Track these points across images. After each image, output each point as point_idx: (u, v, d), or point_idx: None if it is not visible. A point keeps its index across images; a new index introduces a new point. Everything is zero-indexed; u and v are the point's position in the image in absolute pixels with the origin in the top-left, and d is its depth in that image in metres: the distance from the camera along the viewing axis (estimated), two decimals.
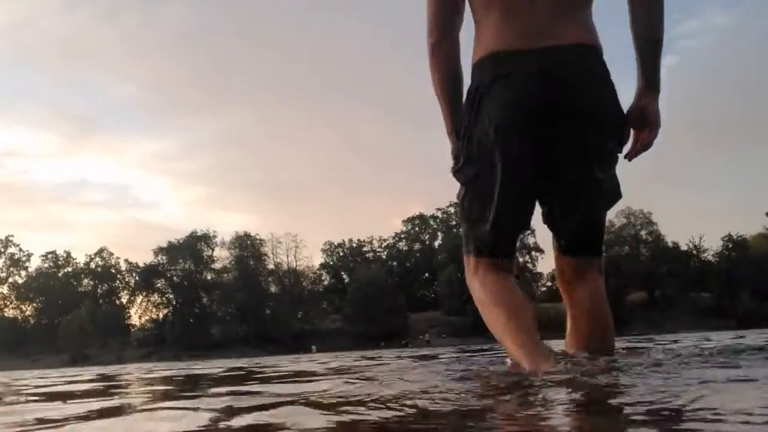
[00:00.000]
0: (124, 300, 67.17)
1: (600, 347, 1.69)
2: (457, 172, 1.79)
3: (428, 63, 1.86)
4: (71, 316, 54.24)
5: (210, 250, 62.41)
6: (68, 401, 2.01)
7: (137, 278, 64.34)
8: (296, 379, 2.69)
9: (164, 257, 61.35)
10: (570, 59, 1.65)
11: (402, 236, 73.87)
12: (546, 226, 1.80)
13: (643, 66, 1.76)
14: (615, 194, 1.77)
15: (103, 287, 67.35)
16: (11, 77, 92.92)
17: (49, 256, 66.85)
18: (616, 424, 0.93)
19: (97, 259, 67.88)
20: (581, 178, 1.68)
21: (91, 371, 7.33)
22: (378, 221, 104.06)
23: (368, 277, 56.56)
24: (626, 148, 1.79)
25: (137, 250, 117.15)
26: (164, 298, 62.85)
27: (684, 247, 63.08)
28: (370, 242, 74.73)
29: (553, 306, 59.51)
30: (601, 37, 1.80)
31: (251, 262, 61.04)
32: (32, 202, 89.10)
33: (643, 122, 1.76)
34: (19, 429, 1.19)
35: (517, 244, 1.84)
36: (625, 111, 1.75)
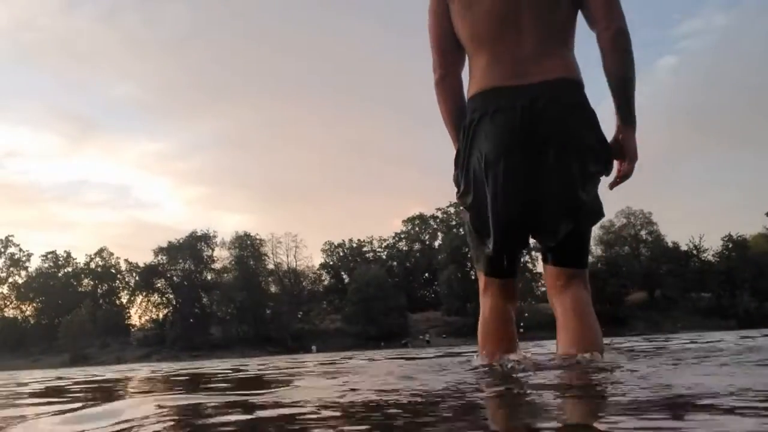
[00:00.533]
0: (124, 300, 67.21)
1: (589, 349, 1.80)
2: (460, 198, 1.98)
3: (435, 94, 2.05)
4: (71, 316, 54.21)
5: (210, 250, 62.45)
6: None
7: (137, 278, 64.32)
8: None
9: (164, 257, 61.34)
10: (551, 94, 1.80)
11: (402, 236, 73.86)
12: (535, 239, 1.96)
13: (618, 104, 1.94)
14: (598, 213, 1.93)
15: (103, 287, 67.32)
16: (11, 77, 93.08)
17: (49, 256, 66.88)
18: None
19: (97, 259, 67.91)
20: (567, 200, 1.82)
21: (87, 372, 7.27)
22: (378, 221, 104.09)
23: (368, 277, 56.54)
24: (608, 179, 1.97)
25: (137, 250, 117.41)
26: (164, 298, 62.84)
27: (684, 247, 63.07)
28: (370, 242, 74.74)
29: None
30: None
31: (251, 262, 61.01)
32: (32, 202, 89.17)
33: (622, 155, 1.95)
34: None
35: (519, 262, 2.03)
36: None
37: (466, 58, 2.02)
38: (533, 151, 1.78)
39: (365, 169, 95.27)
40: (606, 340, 2.01)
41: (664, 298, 57.94)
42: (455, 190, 2.00)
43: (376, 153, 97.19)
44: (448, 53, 2.01)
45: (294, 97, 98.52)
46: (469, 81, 1.96)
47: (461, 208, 2.03)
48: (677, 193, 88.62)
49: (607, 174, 1.93)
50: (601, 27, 1.87)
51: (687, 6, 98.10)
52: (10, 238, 66.38)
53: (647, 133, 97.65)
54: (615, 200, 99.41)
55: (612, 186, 1.98)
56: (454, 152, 2.01)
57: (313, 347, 47.86)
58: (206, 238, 61.95)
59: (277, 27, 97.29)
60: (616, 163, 1.95)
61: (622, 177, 1.97)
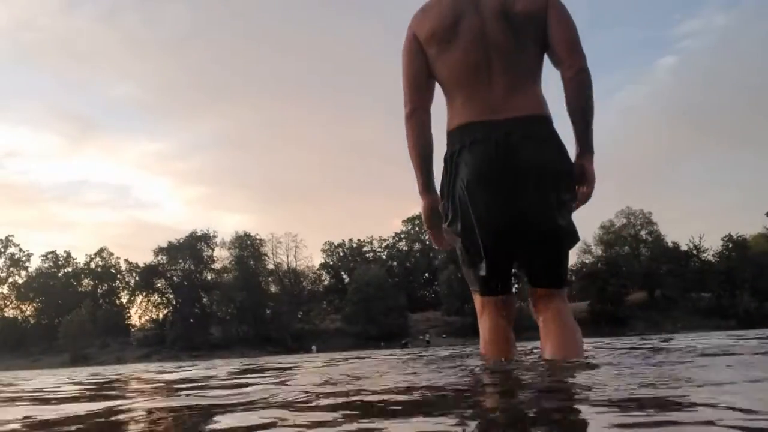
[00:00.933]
0: (124, 300, 67.20)
1: (572, 356, 1.97)
2: (449, 226, 2.10)
3: (404, 128, 2.19)
4: (71, 316, 54.18)
5: (210, 250, 62.42)
6: None
7: (137, 278, 64.30)
8: None
9: (164, 257, 61.32)
10: (525, 129, 1.98)
11: (402, 236, 73.86)
12: (518, 261, 2.11)
13: (577, 133, 2.11)
14: (574, 237, 2.07)
15: (103, 287, 67.32)
16: (11, 77, 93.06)
17: (49, 256, 66.88)
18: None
19: (97, 259, 67.90)
20: (546, 226, 1.99)
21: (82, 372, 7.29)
22: (378, 221, 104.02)
23: (368, 277, 56.53)
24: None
25: (137, 250, 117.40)
26: (164, 298, 62.83)
27: (684, 247, 63.05)
28: (370, 242, 74.75)
29: None
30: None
31: (251, 262, 60.99)
32: (32, 202, 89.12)
33: (581, 179, 2.10)
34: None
35: (512, 279, 2.17)
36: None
37: (441, 95, 2.18)
38: (510, 181, 1.95)
39: (365, 169, 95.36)
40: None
41: (664, 298, 57.92)
42: (444, 219, 2.14)
43: (376, 153, 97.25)
44: (420, 91, 2.17)
45: (294, 97, 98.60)
46: (447, 118, 2.14)
47: (450, 232, 2.14)
48: (677, 193, 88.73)
49: (575, 201, 2.10)
50: (565, 67, 2.06)
51: (687, 6, 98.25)
52: (10, 238, 66.44)
53: (647, 133, 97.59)
54: (615, 200, 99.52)
55: (573, 209, 2.12)
56: (417, 184, 2.19)
57: (313, 347, 47.85)
58: (206, 238, 61.96)
59: (277, 27, 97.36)
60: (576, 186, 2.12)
61: (584, 199, 2.14)
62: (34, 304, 64.43)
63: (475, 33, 2.04)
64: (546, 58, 2.13)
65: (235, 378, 2.79)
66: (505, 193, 1.95)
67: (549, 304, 2.07)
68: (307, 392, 1.54)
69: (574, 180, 2.07)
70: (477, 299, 2.17)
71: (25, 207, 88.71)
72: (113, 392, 2.36)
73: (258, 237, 62.58)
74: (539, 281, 2.08)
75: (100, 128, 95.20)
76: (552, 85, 2.17)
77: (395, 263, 71.20)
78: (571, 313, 2.10)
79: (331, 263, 73.19)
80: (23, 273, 66.48)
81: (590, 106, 2.08)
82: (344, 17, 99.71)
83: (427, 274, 70.07)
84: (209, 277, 62.00)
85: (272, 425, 1.00)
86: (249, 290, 57.29)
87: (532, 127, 2.00)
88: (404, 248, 73.41)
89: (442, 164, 2.13)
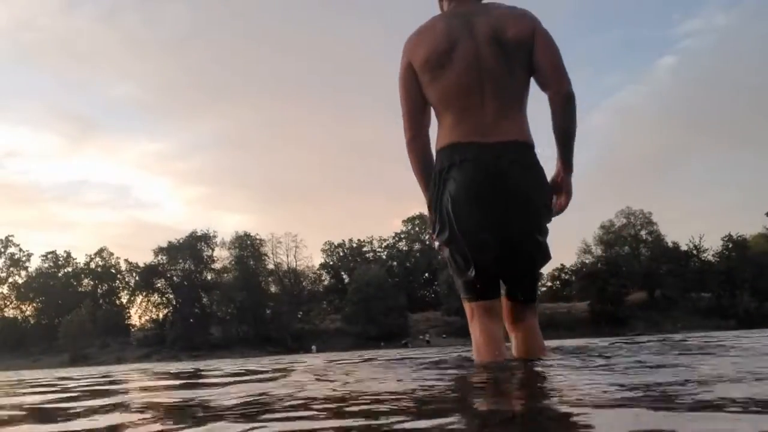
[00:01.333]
0: (124, 300, 67.24)
1: (537, 355, 2.28)
2: (437, 237, 2.25)
3: (406, 151, 2.34)
4: (71, 316, 54.19)
5: (210, 250, 62.41)
6: None
7: (137, 278, 64.29)
8: None
9: (164, 257, 61.30)
10: (511, 155, 2.12)
11: (402, 236, 73.87)
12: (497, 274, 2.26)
13: (560, 152, 2.29)
14: (547, 255, 2.25)
15: (103, 287, 67.33)
16: (11, 77, 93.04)
17: (49, 256, 66.89)
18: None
19: (97, 259, 67.92)
20: (524, 246, 2.16)
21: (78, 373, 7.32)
22: (378, 221, 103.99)
23: (368, 277, 56.53)
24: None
25: (137, 250, 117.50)
26: (164, 298, 62.83)
27: (684, 247, 63.05)
28: (370, 242, 74.78)
29: (552, 306, 59.61)
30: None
31: (251, 262, 60.98)
32: (32, 202, 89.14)
33: (559, 192, 2.31)
34: None
35: (499, 285, 2.30)
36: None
37: (433, 116, 2.31)
38: (496, 202, 2.09)
39: (365, 169, 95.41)
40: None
41: (664, 298, 57.92)
42: (431, 231, 2.30)
43: (376, 153, 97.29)
44: (418, 118, 2.30)
45: (294, 97, 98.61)
46: (437, 136, 2.26)
47: (438, 245, 2.32)
48: (677, 193, 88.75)
49: (549, 221, 2.27)
50: (552, 91, 2.20)
51: (687, 6, 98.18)
52: (10, 238, 66.47)
53: (647, 133, 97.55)
54: (615, 200, 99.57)
55: (550, 217, 2.30)
56: (425, 198, 2.31)
57: (313, 347, 47.85)
58: (206, 238, 61.95)
59: (277, 27, 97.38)
60: (555, 197, 2.32)
61: (560, 210, 2.33)
62: (34, 304, 64.43)
63: (470, 58, 2.15)
64: (532, 83, 2.27)
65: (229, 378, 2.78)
66: (490, 212, 2.09)
67: (521, 319, 2.29)
68: None
69: (551, 204, 2.27)
70: (467, 306, 2.29)
71: (25, 207, 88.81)
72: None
73: (258, 237, 62.67)
74: (514, 295, 2.27)
75: (100, 128, 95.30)
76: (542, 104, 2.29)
77: (395, 263, 71.21)
78: (538, 325, 2.34)
79: (331, 263, 73.20)
80: (23, 273, 66.59)
81: (573, 128, 2.25)
82: (344, 17, 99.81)
83: (427, 274, 70.07)
84: (209, 277, 62.00)
85: None
86: (249, 290, 57.28)
87: (519, 153, 2.14)
88: (404, 248, 73.42)
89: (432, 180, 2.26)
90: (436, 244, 2.35)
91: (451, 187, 2.13)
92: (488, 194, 2.08)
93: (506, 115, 2.16)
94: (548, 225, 2.26)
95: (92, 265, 67.66)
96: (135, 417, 1.33)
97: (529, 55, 2.19)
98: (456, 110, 2.18)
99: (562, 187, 2.30)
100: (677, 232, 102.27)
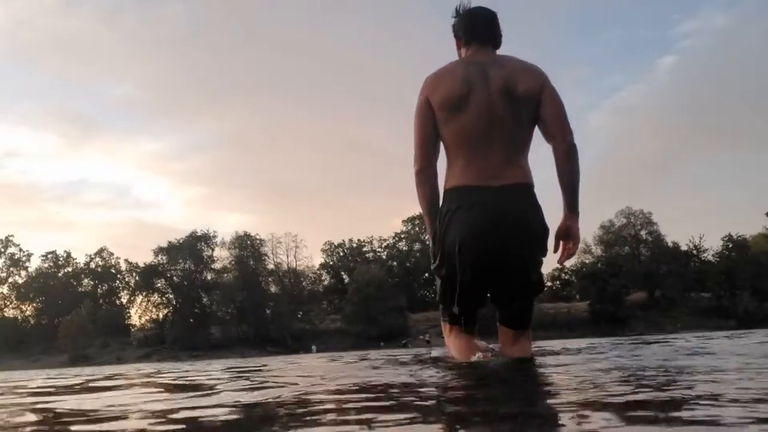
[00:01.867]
0: (124, 300, 67.21)
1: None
2: (436, 270, 2.45)
3: (414, 182, 2.50)
4: (71, 316, 54.17)
5: (210, 250, 62.38)
6: None
7: (137, 278, 64.27)
8: None
9: (164, 257, 61.28)
10: (513, 197, 2.32)
11: (402, 236, 73.85)
12: (493, 303, 2.48)
13: (566, 199, 2.46)
14: (542, 288, 2.44)
15: (103, 287, 67.32)
16: (11, 77, 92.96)
17: (49, 256, 66.87)
18: None
19: (97, 259, 67.92)
20: (519, 280, 2.36)
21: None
22: (378, 221, 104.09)
23: (368, 277, 56.52)
24: (557, 256, 2.50)
25: (137, 250, 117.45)
26: (164, 298, 62.82)
27: (684, 247, 63.07)
28: (370, 242, 74.77)
29: (552, 306, 59.62)
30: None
31: (251, 262, 60.97)
32: (32, 202, 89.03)
33: (568, 237, 2.48)
34: None
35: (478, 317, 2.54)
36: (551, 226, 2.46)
37: (443, 152, 2.49)
38: (498, 242, 2.27)
39: (365, 169, 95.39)
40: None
41: (664, 298, 57.93)
42: (432, 261, 2.49)
43: (376, 153, 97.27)
44: (429, 151, 2.47)
45: (294, 97, 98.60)
46: (447, 174, 2.45)
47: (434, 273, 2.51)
48: (677, 193, 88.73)
49: (545, 256, 2.45)
50: (556, 142, 2.41)
51: (687, 6, 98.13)
52: (10, 238, 66.44)
53: (647, 133, 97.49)
54: (615, 200, 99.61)
55: (561, 262, 2.50)
56: (428, 230, 2.50)
57: (313, 347, 47.86)
58: (206, 238, 61.93)
59: (276, 27, 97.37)
60: (562, 243, 2.49)
61: (569, 255, 2.50)
62: (34, 304, 64.43)
63: (483, 106, 2.33)
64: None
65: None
66: (492, 251, 2.29)
67: (516, 343, 2.47)
68: None
69: (547, 241, 2.43)
70: (446, 326, 2.59)
71: (25, 207, 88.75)
72: None
73: (258, 237, 62.66)
74: (510, 323, 2.47)
75: (99, 128, 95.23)
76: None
77: (395, 263, 71.19)
78: (531, 348, 2.55)
79: (331, 263, 73.20)
80: (23, 273, 66.55)
81: (577, 176, 2.44)
82: (344, 17, 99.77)
83: (427, 274, 70.02)
84: (209, 277, 61.99)
85: None
86: (249, 290, 57.27)
87: (520, 195, 2.35)
88: (404, 248, 73.41)
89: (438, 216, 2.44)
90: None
91: (456, 229, 2.32)
92: (489, 237, 2.27)
93: (511, 160, 2.36)
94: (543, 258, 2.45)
95: (92, 265, 67.65)
96: None
97: (536, 108, 2.39)
98: (466, 153, 2.37)
99: (569, 233, 2.47)
100: (677, 232, 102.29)
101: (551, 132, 2.41)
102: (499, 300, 2.43)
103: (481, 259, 2.29)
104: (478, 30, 2.53)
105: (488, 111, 2.33)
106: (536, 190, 2.44)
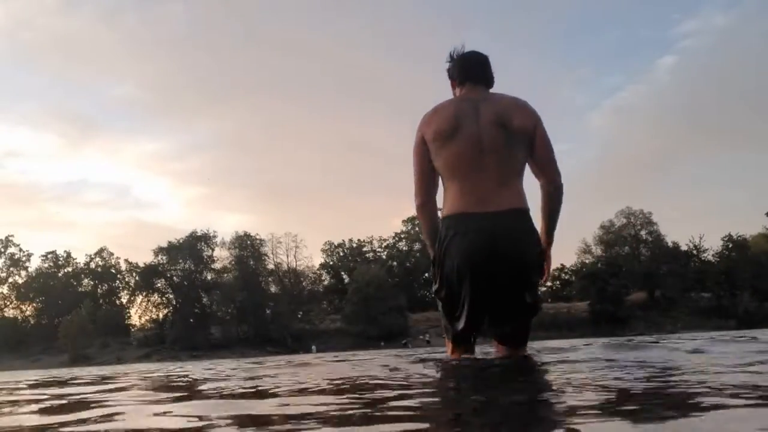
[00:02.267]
0: (124, 300, 67.16)
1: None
2: (436, 293, 2.59)
3: (416, 213, 2.69)
4: (71, 316, 54.15)
5: (210, 250, 62.35)
6: None
7: (137, 278, 64.25)
8: None
9: (164, 257, 61.25)
10: (508, 221, 2.43)
11: (402, 236, 73.82)
12: (490, 325, 2.56)
13: (544, 228, 2.64)
14: (538, 309, 2.54)
15: (103, 287, 67.29)
16: (11, 77, 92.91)
17: (49, 256, 66.84)
18: None
19: (97, 259, 67.89)
20: (515, 302, 2.46)
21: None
22: (378, 221, 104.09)
23: (368, 277, 56.51)
24: None
25: (137, 250, 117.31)
26: (164, 298, 62.79)
27: (684, 247, 63.06)
28: (370, 242, 74.74)
29: (552, 306, 59.61)
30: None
31: (251, 262, 60.96)
32: (32, 202, 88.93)
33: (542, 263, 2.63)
34: None
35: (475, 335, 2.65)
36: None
37: (440, 183, 2.62)
38: (494, 266, 2.38)
39: (365, 169, 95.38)
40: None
41: (664, 298, 57.93)
42: (433, 284, 2.63)
43: (376, 153, 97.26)
44: (428, 186, 2.63)
45: (294, 97, 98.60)
46: (443, 201, 2.58)
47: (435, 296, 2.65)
48: (677, 193, 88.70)
49: (541, 281, 2.62)
50: (544, 181, 2.59)
51: (687, 6, 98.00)
52: (10, 238, 66.41)
53: (647, 133, 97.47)
54: (615, 200, 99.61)
55: (541, 275, 2.64)
56: (431, 256, 2.63)
57: (313, 347, 47.86)
58: (206, 238, 61.91)
59: (276, 27, 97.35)
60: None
61: (545, 279, 2.68)
62: (34, 304, 64.41)
63: (473, 135, 2.47)
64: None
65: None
66: (488, 275, 2.40)
67: (512, 355, 2.58)
68: None
69: (542, 265, 2.59)
70: (449, 344, 2.70)
71: (25, 207, 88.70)
72: None
73: (258, 237, 62.63)
74: (506, 341, 2.61)
75: (99, 128, 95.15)
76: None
77: (395, 263, 71.17)
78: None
79: (331, 263, 73.19)
80: (23, 273, 66.51)
81: (558, 212, 2.66)
82: (344, 17, 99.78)
83: (427, 274, 69.78)
84: (209, 277, 61.97)
85: None
86: (249, 290, 57.27)
87: (515, 220, 2.46)
88: (404, 248, 73.38)
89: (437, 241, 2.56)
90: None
91: (455, 253, 2.44)
92: (486, 261, 2.39)
93: (504, 185, 2.47)
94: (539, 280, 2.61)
95: (92, 265, 67.63)
96: None
97: (530, 141, 2.53)
98: (460, 180, 2.49)
99: (544, 259, 2.62)
100: (677, 232, 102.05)
101: (541, 172, 2.60)
102: (496, 321, 2.53)
103: (477, 283, 2.41)
104: (471, 71, 2.68)
105: (478, 139, 2.46)
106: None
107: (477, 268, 2.39)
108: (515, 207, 2.47)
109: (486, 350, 2.97)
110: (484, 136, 2.46)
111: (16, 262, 66.39)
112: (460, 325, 2.51)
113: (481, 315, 2.50)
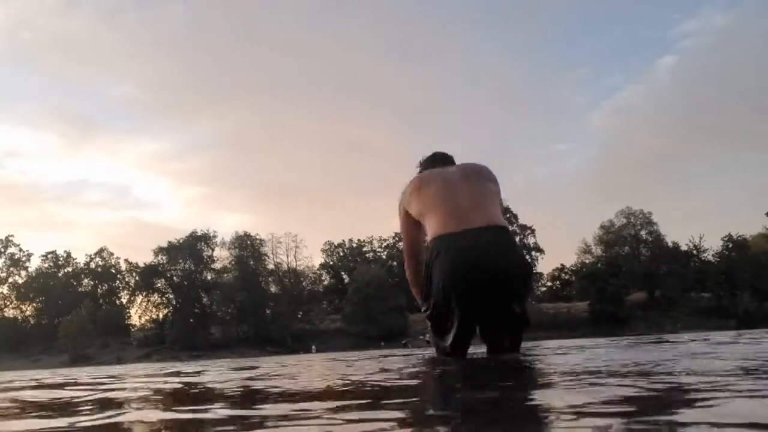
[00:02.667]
0: (124, 300, 67.17)
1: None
2: (427, 317, 2.77)
3: (405, 266, 3.10)
4: (71, 316, 54.15)
5: (210, 250, 62.35)
6: None
7: (137, 278, 64.25)
8: None
9: (164, 257, 61.26)
10: (485, 236, 2.56)
11: (402, 236, 73.75)
12: (482, 338, 2.68)
13: None
14: (526, 322, 2.63)
15: (103, 287, 67.28)
16: (11, 77, 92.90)
17: (49, 256, 66.85)
18: None
19: (97, 259, 67.88)
20: (502, 312, 2.55)
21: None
22: (378, 221, 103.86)
23: (368, 277, 56.51)
24: None
25: (137, 250, 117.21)
26: (164, 298, 62.79)
27: (684, 247, 63.07)
28: (370, 242, 74.71)
29: (552, 306, 59.61)
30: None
31: (251, 262, 60.95)
32: (32, 202, 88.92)
33: None
34: None
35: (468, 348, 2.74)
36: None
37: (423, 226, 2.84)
38: (478, 279, 2.49)
39: (365, 169, 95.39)
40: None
41: (664, 298, 57.93)
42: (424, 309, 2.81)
43: (376, 153, 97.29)
44: (416, 251, 2.98)
45: (294, 97, 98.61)
46: (428, 230, 2.75)
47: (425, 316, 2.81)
48: (677, 192, 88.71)
49: (528, 287, 2.72)
50: None
51: (687, 6, 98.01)
52: (10, 238, 66.41)
53: (647, 133, 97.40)
54: (615, 200, 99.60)
55: (529, 284, 2.79)
56: (415, 296, 2.98)
57: (313, 347, 47.86)
58: (206, 238, 61.91)
59: (276, 27, 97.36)
60: None
61: None
62: (34, 304, 64.41)
63: (446, 177, 2.80)
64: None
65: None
66: (473, 289, 2.50)
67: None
68: None
69: (529, 277, 2.70)
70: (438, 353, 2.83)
71: (25, 207, 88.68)
72: None
73: (258, 237, 62.63)
74: (496, 351, 2.66)
75: (99, 128, 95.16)
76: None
77: (395, 263, 71.09)
78: None
79: (331, 263, 73.18)
80: (23, 273, 66.51)
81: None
82: (344, 17, 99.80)
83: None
84: (209, 277, 61.97)
85: None
86: (249, 290, 57.26)
87: (494, 234, 2.59)
88: None
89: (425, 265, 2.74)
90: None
91: (437, 274, 2.59)
92: (468, 276, 2.51)
93: (481, 208, 2.66)
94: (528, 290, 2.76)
95: (92, 265, 67.63)
96: None
97: (496, 188, 2.82)
98: (439, 208, 2.70)
99: (530, 273, 2.87)
100: (677, 232, 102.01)
101: None
102: (487, 335, 2.66)
103: (463, 297, 2.52)
104: (438, 161, 3.07)
105: (450, 178, 2.78)
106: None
107: (461, 283, 2.51)
108: (493, 223, 2.62)
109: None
110: (454, 176, 2.79)
111: (16, 262, 66.41)
112: (449, 340, 2.63)
113: (470, 328, 2.61)
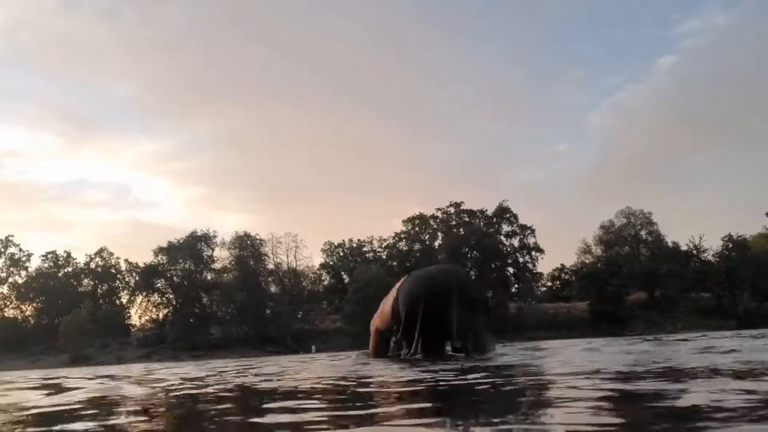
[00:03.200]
0: (124, 300, 67.07)
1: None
2: (396, 339, 3.30)
3: (371, 329, 3.68)
4: (71, 316, 54.14)
5: (210, 250, 62.31)
6: None
7: (137, 278, 64.21)
8: None
9: (164, 257, 61.22)
10: (447, 269, 3.36)
11: (402, 236, 73.72)
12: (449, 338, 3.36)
13: None
14: (487, 306, 3.24)
15: (103, 287, 67.22)
16: (10, 77, 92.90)
17: (49, 256, 66.77)
18: None
19: (97, 259, 67.80)
20: (465, 318, 3.18)
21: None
22: (378, 221, 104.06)
23: (368, 276, 56.50)
24: None
25: (137, 250, 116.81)
26: (164, 298, 62.73)
27: (684, 247, 63.03)
28: (370, 242, 74.62)
29: (552, 306, 59.61)
30: None
31: (251, 262, 60.94)
32: (32, 202, 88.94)
33: None
34: None
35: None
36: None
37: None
38: (436, 291, 3.17)
39: (365, 169, 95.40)
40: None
41: (664, 298, 57.91)
42: (395, 327, 3.62)
43: (376, 153, 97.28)
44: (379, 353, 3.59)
45: (294, 97, 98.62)
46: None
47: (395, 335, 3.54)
48: (677, 192, 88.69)
49: (488, 312, 3.66)
50: None
51: (687, 6, 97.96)
52: (10, 238, 66.34)
53: (647, 133, 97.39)
54: (615, 200, 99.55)
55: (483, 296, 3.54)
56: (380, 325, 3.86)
57: (313, 347, 47.87)
58: (206, 238, 61.87)
59: (276, 27, 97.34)
60: None
61: None
62: (34, 304, 64.36)
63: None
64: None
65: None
66: (433, 300, 3.20)
67: None
68: None
69: (484, 299, 3.39)
70: (374, 341, 3.53)
71: (25, 207, 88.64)
72: None
73: (258, 237, 62.58)
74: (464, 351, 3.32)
75: (99, 128, 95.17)
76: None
77: (395, 263, 71.08)
78: None
79: (331, 263, 73.11)
80: (23, 273, 66.40)
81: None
82: (344, 18, 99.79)
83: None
84: (209, 277, 61.93)
85: None
86: (249, 290, 57.25)
87: (455, 269, 3.26)
88: (404, 248, 73.27)
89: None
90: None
91: (405, 302, 3.25)
92: (428, 293, 3.22)
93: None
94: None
95: (92, 265, 67.56)
96: None
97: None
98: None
99: (484, 299, 3.74)
100: (677, 232, 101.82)
101: None
102: (450, 336, 3.31)
103: (425, 307, 3.22)
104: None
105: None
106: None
107: (424, 298, 3.15)
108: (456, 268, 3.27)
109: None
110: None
111: (16, 262, 66.35)
112: (411, 350, 3.18)
113: (439, 337, 3.25)
